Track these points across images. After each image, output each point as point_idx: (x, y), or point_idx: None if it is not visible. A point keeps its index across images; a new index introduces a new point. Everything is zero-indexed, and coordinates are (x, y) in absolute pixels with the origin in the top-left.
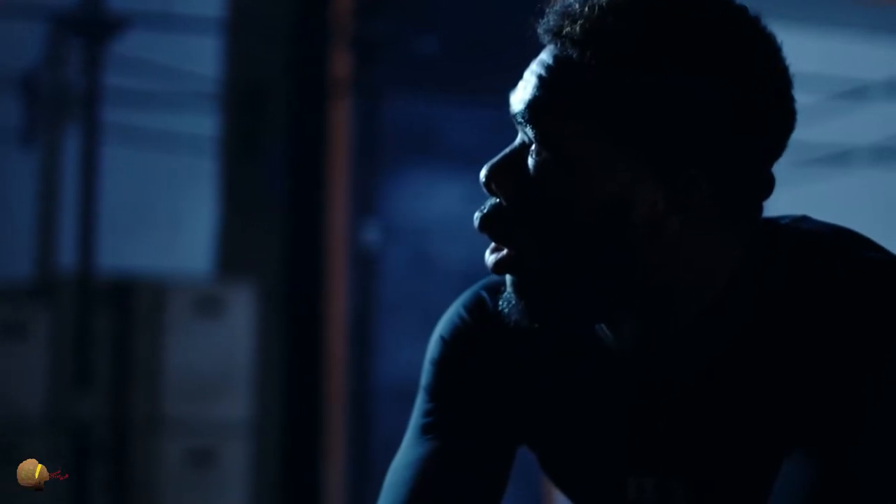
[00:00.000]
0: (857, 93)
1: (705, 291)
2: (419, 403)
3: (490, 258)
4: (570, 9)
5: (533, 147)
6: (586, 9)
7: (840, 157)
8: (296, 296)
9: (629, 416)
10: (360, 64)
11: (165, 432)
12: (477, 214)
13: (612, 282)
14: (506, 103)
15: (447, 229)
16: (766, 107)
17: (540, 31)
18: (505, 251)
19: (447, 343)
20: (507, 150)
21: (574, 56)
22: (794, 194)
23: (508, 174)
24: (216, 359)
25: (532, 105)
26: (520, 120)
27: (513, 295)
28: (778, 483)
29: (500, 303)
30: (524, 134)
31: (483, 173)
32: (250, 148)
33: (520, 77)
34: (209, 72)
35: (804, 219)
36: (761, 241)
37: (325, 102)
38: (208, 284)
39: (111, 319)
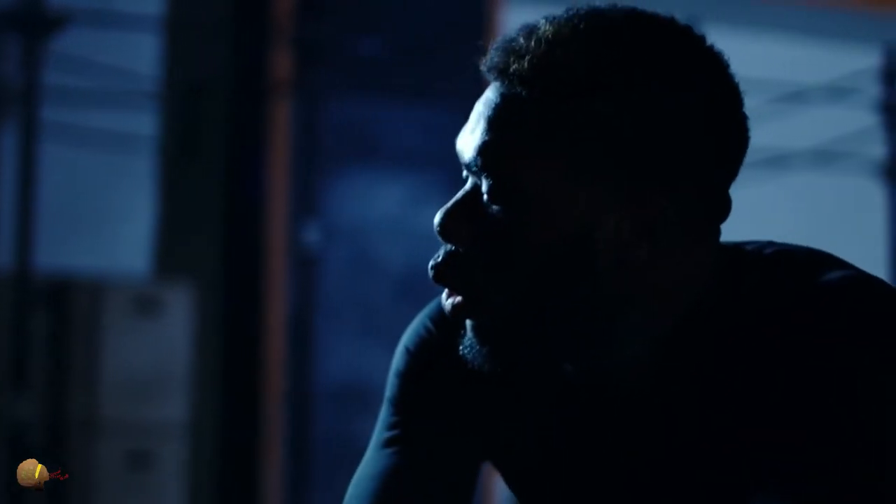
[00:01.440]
0: (796, 96)
1: (669, 316)
2: (383, 415)
3: (447, 303)
4: (513, 45)
5: (488, 190)
6: (531, 43)
7: (778, 161)
8: (234, 296)
9: (595, 440)
10: (301, 64)
11: (103, 434)
12: (431, 264)
13: (578, 316)
14: (447, 105)
15: (387, 231)
16: (720, 126)
17: (483, 69)
18: (459, 297)
19: (412, 354)
20: (460, 194)
21: (523, 93)
22: (732, 198)
23: (464, 220)
24: (154, 359)
25: (485, 150)
26: (473, 167)
27: (474, 339)
28: None
29: (461, 347)
30: (477, 178)
31: (437, 220)
32: (189, 147)
33: (460, 79)
34: (148, 70)
35: (770, 244)
36: (724, 264)
37: (265, 102)
38: (146, 285)
39: (48, 320)
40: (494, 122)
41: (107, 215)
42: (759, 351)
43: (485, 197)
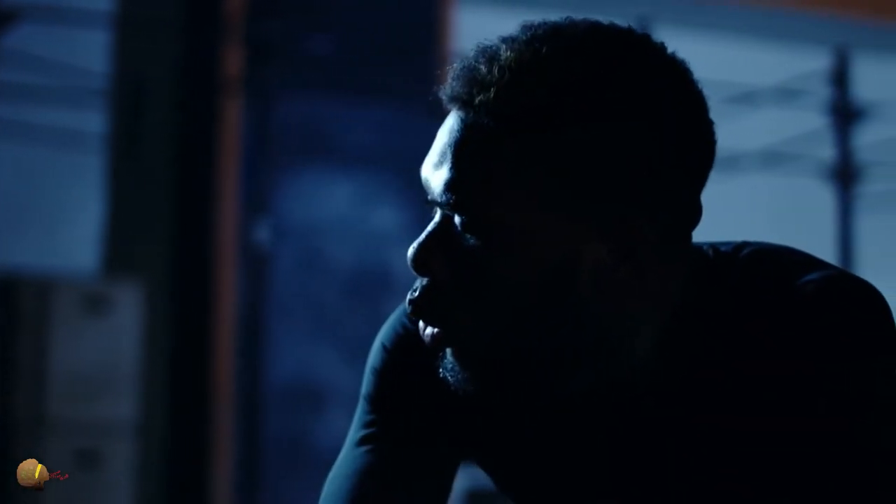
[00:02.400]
0: (746, 98)
1: (652, 327)
2: (359, 413)
3: (426, 333)
4: (475, 74)
5: (463, 226)
6: (494, 72)
7: (729, 162)
8: (184, 295)
9: (582, 444)
10: (251, 62)
11: (51, 432)
12: (409, 298)
13: (562, 341)
14: (398, 104)
15: (337, 229)
16: (691, 136)
17: (445, 98)
18: (437, 329)
19: (389, 352)
20: (431, 227)
21: (491, 125)
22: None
23: (439, 253)
24: (102, 358)
25: (456, 186)
26: (444, 203)
27: (455, 364)
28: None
29: (442, 371)
30: (446, 210)
31: (411, 255)
32: (138, 145)
33: (411, 78)
34: (97, 67)
35: (745, 244)
36: (701, 267)
37: (215, 100)
38: (94, 282)
39: None
40: (464, 157)
41: (56, 212)
42: (745, 354)
43: (459, 230)
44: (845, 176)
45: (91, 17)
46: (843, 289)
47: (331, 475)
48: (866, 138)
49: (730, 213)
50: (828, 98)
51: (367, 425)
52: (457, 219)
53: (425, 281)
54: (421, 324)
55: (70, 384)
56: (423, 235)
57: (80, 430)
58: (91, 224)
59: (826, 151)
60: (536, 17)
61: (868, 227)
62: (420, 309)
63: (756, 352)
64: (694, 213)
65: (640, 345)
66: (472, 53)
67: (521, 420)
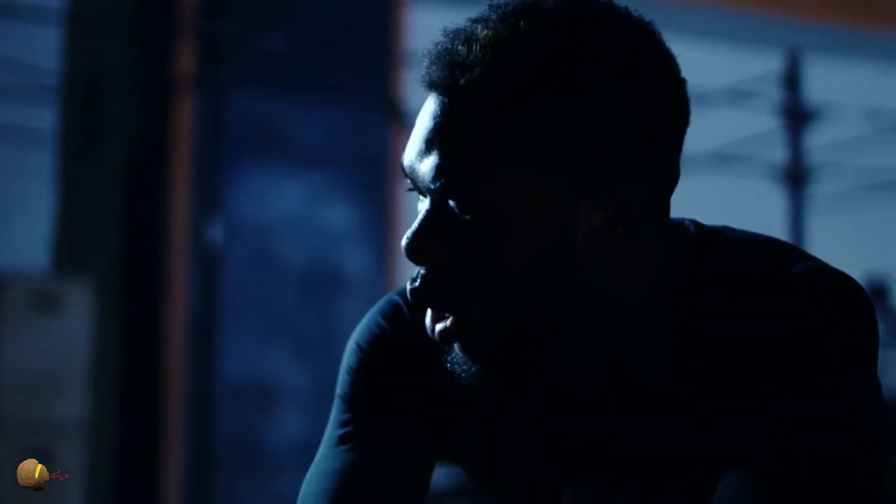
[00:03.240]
0: (697, 99)
1: (640, 296)
2: (335, 412)
3: (436, 328)
4: (455, 56)
5: (459, 209)
6: (474, 52)
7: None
8: (135, 293)
9: (563, 427)
10: (204, 60)
11: (0, 431)
12: (409, 287)
13: (563, 314)
14: (351, 102)
15: (290, 228)
16: (667, 100)
17: (424, 84)
18: (450, 319)
19: (365, 351)
20: (423, 215)
21: (476, 106)
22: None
23: (434, 240)
24: (53, 356)
25: (447, 170)
26: (434, 189)
27: (464, 358)
28: (719, 493)
29: (450, 366)
30: (438, 198)
31: (405, 244)
32: (90, 142)
33: (364, 76)
34: (49, 64)
35: (726, 228)
36: (686, 242)
37: (168, 98)
38: (45, 280)
39: None
40: (452, 140)
41: (6, 210)
42: (730, 336)
43: (454, 215)
44: (796, 177)
45: (44, 13)
46: (830, 280)
47: (308, 475)
48: (817, 140)
49: (681, 214)
50: (779, 99)
51: (343, 425)
52: (450, 203)
53: (423, 270)
54: (427, 321)
55: (20, 383)
56: (415, 224)
57: (30, 429)
58: (42, 222)
59: (777, 153)
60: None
61: (819, 229)
62: (423, 297)
63: (741, 335)
64: (675, 176)
65: (627, 315)
66: (444, 37)
67: (515, 406)
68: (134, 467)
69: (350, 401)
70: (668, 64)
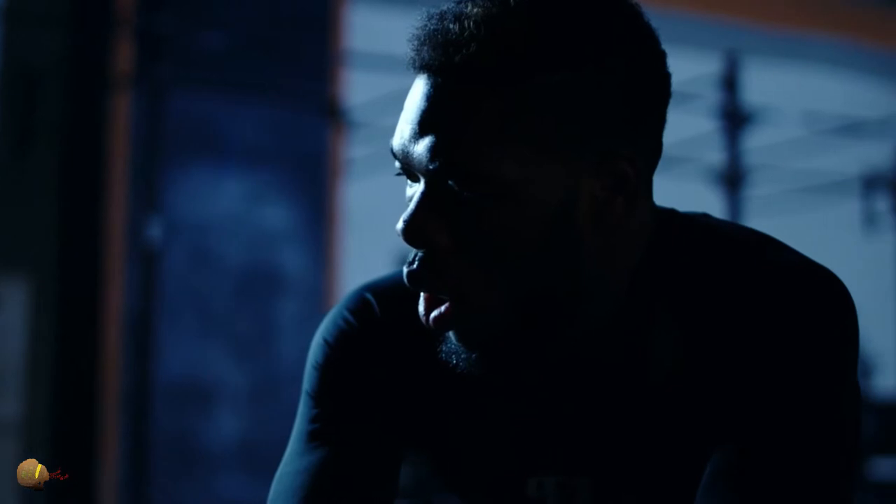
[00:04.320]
0: None
1: (626, 271)
2: (304, 409)
3: (432, 315)
4: (448, 35)
5: (462, 186)
6: (469, 29)
7: None
8: (71, 291)
9: (527, 415)
10: (142, 57)
11: None
12: (407, 270)
13: (568, 283)
14: (290, 102)
15: (228, 227)
16: (653, 71)
17: (414, 67)
18: (445, 304)
19: (332, 347)
20: (419, 197)
21: (473, 83)
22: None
23: (433, 220)
24: None
25: (444, 150)
26: (433, 169)
27: (461, 347)
28: (705, 483)
29: (444, 355)
30: (436, 179)
31: (403, 227)
32: (25, 138)
33: (303, 76)
34: None
35: (706, 215)
36: (668, 222)
37: (105, 95)
38: None
39: None
40: (449, 119)
41: None
42: (711, 324)
43: (453, 194)
44: (733, 179)
45: None
46: (811, 272)
47: (278, 473)
48: (754, 142)
49: None
50: (717, 102)
51: (312, 421)
52: (449, 182)
53: (421, 252)
54: (421, 308)
55: None
56: (411, 206)
57: None
58: None
59: (715, 155)
60: None
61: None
62: (423, 279)
63: (721, 321)
64: (660, 150)
65: (616, 289)
66: (429, 20)
67: (498, 395)
68: (69, 466)
69: (317, 397)
70: (652, 37)
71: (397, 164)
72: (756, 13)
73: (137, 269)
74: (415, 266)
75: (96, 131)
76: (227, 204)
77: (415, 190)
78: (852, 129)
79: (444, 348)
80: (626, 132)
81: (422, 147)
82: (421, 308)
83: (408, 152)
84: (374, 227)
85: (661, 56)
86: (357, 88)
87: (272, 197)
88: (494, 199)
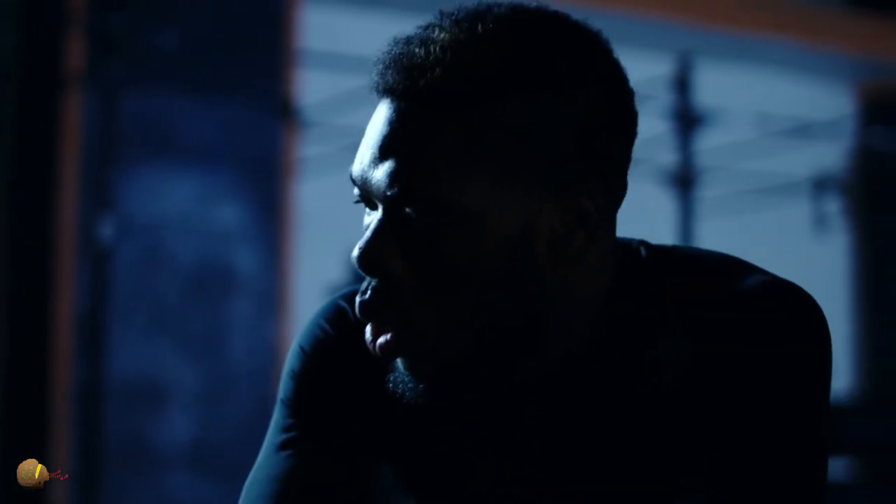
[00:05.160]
0: None
1: (591, 306)
2: (277, 417)
3: (378, 342)
4: (413, 60)
5: (419, 214)
6: (435, 54)
7: None
8: (21, 290)
9: (492, 439)
10: (95, 55)
11: None
12: (359, 300)
13: (524, 317)
14: (242, 101)
15: (180, 226)
16: (621, 111)
17: (378, 91)
18: (391, 333)
19: (308, 355)
20: (376, 225)
21: (433, 107)
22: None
23: (390, 249)
24: None
25: (404, 177)
26: (390, 196)
27: (408, 376)
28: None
29: (392, 384)
30: (393, 206)
31: (358, 255)
32: None
33: (257, 75)
34: None
35: (676, 247)
36: (637, 263)
37: (57, 93)
38: None
39: None
40: (409, 145)
41: None
42: (685, 355)
43: (411, 222)
44: (685, 181)
45: None
46: (782, 293)
47: (249, 481)
48: (706, 143)
49: None
50: (669, 103)
51: (285, 430)
52: (408, 210)
53: (375, 281)
54: (368, 334)
55: None
56: (368, 233)
57: None
58: None
59: (667, 156)
60: (381, 16)
61: (707, 232)
62: (374, 309)
63: (695, 352)
64: (624, 188)
65: (574, 324)
66: (394, 45)
67: (459, 419)
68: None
69: (292, 405)
70: (620, 74)
71: (356, 191)
72: (708, 15)
73: (89, 268)
74: (367, 296)
75: (48, 130)
76: (179, 203)
77: (372, 218)
78: (803, 130)
79: (392, 377)
80: (589, 167)
81: (381, 172)
82: (367, 335)
83: (367, 178)
84: (327, 226)
85: (629, 93)
86: (311, 88)
87: (225, 196)
88: (452, 226)
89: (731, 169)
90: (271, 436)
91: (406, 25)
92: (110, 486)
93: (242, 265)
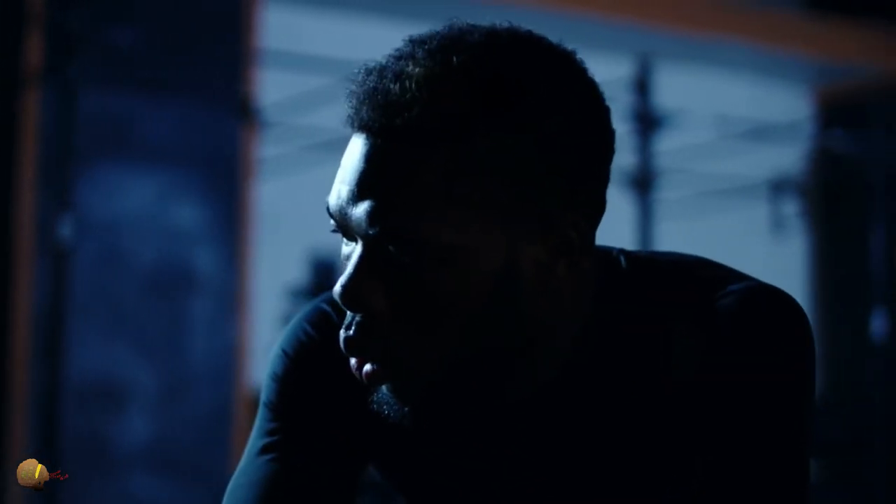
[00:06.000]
0: None
1: (574, 326)
2: (260, 420)
3: (365, 370)
4: (388, 97)
5: (400, 252)
6: (411, 90)
7: None
8: None
9: (480, 457)
10: (53, 53)
11: None
12: (344, 336)
13: (508, 346)
14: (202, 100)
15: (139, 226)
16: (598, 131)
17: (353, 127)
18: (378, 364)
19: (291, 359)
20: (357, 260)
21: (412, 144)
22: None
23: (372, 285)
24: None
25: (383, 215)
26: (371, 233)
27: (393, 398)
28: None
29: (375, 405)
30: (374, 243)
31: (341, 291)
32: None
33: (215, 76)
34: None
35: (654, 252)
36: (616, 269)
37: (15, 91)
38: None
39: None
40: (388, 183)
41: None
42: (671, 365)
43: (392, 258)
44: (644, 182)
45: None
46: (767, 298)
47: (232, 485)
48: (665, 145)
49: None
50: (629, 105)
51: (269, 433)
52: (391, 248)
53: (359, 317)
54: (353, 361)
55: None
56: (350, 269)
57: None
58: None
59: (626, 158)
60: (340, 17)
61: (666, 234)
62: (359, 346)
63: (680, 361)
64: (603, 206)
65: (562, 345)
66: (367, 76)
67: (443, 436)
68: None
69: (275, 409)
70: (596, 94)
71: (333, 222)
72: (668, 17)
73: (47, 267)
74: (352, 332)
75: (6, 128)
76: (138, 202)
77: (351, 248)
78: (762, 133)
79: (375, 397)
80: (570, 194)
81: (360, 211)
82: (352, 361)
83: (346, 214)
84: (286, 226)
85: (606, 113)
86: (270, 87)
87: (184, 195)
88: (434, 263)
89: (690, 171)
90: (254, 439)
91: (365, 26)
92: (69, 487)
93: (201, 265)
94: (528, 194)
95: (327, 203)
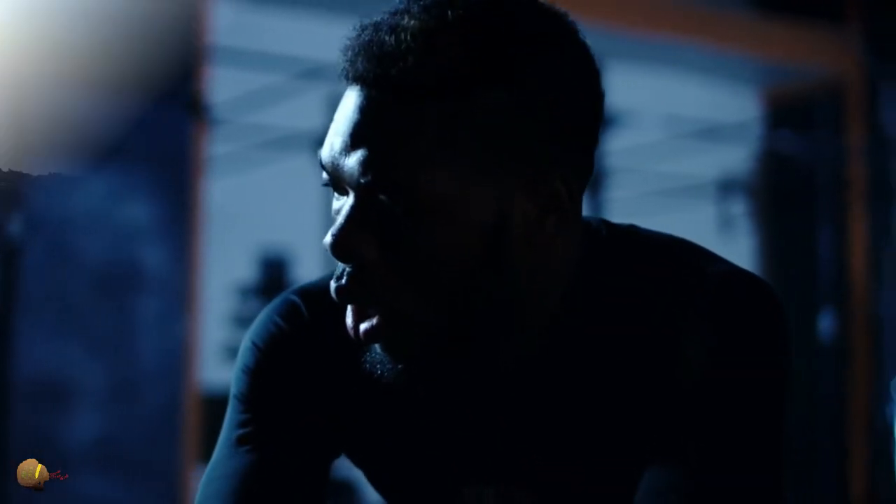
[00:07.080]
0: None
1: (559, 286)
2: (231, 413)
3: (361, 328)
4: (382, 48)
5: (392, 203)
6: (406, 42)
7: None
8: None
9: (460, 425)
10: None
11: None
12: (335, 285)
13: (498, 301)
14: (154, 98)
15: (88, 224)
16: (589, 92)
17: (348, 78)
18: (376, 318)
19: (262, 351)
20: (349, 211)
21: (406, 95)
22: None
23: (363, 236)
24: None
25: (376, 165)
26: (364, 184)
27: (387, 357)
28: (640, 493)
29: (369, 365)
30: (366, 193)
31: (331, 241)
32: None
33: (166, 73)
34: None
35: (634, 226)
36: (599, 240)
37: None
38: None
39: None
40: (382, 133)
41: None
42: (645, 336)
43: (384, 209)
44: (595, 181)
45: None
46: (743, 282)
47: (205, 478)
48: (615, 144)
49: None
50: None
51: (241, 425)
52: (381, 197)
53: (350, 267)
54: (349, 321)
55: None
56: (341, 220)
57: None
58: None
59: None
60: (293, 15)
61: None
62: (352, 293)
63: (655, 334)
64: (592, 168)
65: (550, 304)
66: (363, 30)
67: (431, 404)
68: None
69: (246, 401)
70: (587, 55)
71: (325, 175)
72: (618, 17)
73: None
74: (343, 281)
75: None
76: (87, 200)
77: (342, 203)
78: (711, 133)
79: (368, 357)
80: (560, 151)
81: (353, 160)
82: (349, 320)
83: (338, 165)
84: (237, 225)
85: (596, 75)
86: (221, 85)
87: (133, 193)
88: (426, 214)
89: (640, 170)
90: (226, 432)
91: (317, 24)
92: (17, 486)
93: (151, 263)
94: (520, 149)
95: (319, 156)
